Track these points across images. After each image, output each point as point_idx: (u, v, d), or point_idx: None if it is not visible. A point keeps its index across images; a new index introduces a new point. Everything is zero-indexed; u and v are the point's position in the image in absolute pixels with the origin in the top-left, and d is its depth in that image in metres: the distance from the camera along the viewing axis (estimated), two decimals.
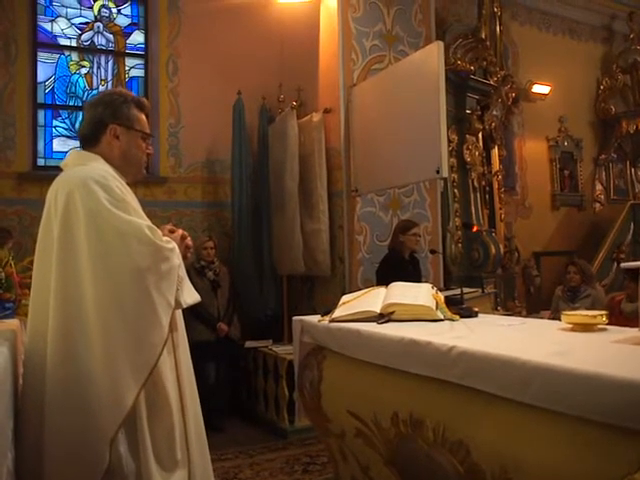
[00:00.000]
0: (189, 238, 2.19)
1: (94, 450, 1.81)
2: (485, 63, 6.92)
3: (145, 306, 1.89)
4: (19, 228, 5.39)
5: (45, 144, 5.94)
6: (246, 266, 5.91)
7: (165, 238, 2.03)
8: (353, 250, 5.20)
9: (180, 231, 2.17)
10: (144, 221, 1.99)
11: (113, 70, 6.32)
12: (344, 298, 3.01)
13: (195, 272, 5.26)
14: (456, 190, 6.50)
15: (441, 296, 2.82)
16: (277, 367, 5.23)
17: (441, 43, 4.30)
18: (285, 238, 5.64)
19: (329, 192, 5.39)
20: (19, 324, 2.45)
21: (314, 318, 2.97)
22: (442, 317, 2.62)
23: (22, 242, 5.31)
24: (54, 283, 1.88)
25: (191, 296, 2.09)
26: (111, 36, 6.34)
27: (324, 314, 2.93)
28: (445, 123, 4.20)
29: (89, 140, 2.15)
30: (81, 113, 6.08)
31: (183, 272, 2.07)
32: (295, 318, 3.13)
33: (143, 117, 2.22)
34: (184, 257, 2.12)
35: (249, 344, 5.64)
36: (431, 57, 4.26)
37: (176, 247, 2.05)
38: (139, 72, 6.40)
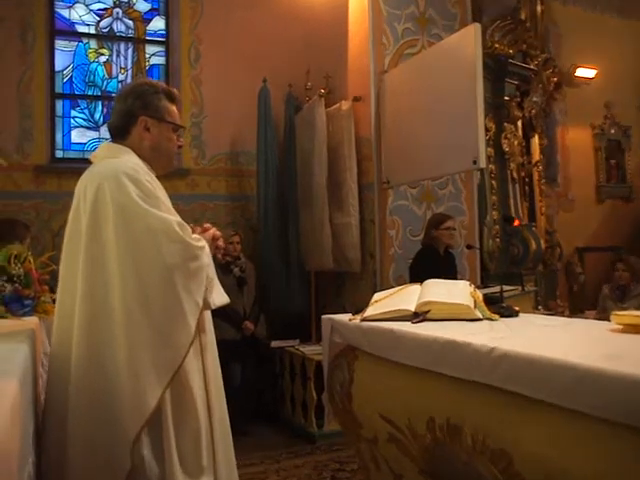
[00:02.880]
0: (221, 239, 2.21)
1: (116, 451, 1.83)
2: (525, 46, 6.81)
3: (172, 305, 1.90)
4: (37, 222, 5.47)
5: (63, 135, 6.02)
6: (272, 262, 5.93)
7: (195, 236, 2.05)
8: (385, 245, 5.18)
9: (212, 230, 2.19)
10: (174, 217, 2.01)
11: (133, 58, 6.38)
12: (376, 296, 3.00)
13: (220, 268, 5.26)
14: (494, 182, 6.43)
15: (479, 294, 2.79)
16: (305, 368, 5.23)
17: (478, 25, 4.23)
18: (313, 233, 5.64)
19: (359, 184, 5.37)
20: (38, 322, 2.48)
21: (344, 317, 2.97)
22: (481, 316, 2.59)
23: (40, 237, 5.41)
24: (81, 279, 1.92)
25: (220, 297, 2.11)
26: (131, 22, 6.39)
27: (355, 313, 2.93)
28: (482, 111, 4.15)
29: (119, 132, 2.18)
30: (100, 103, 6.17)
31: (213, 272, 2.09)
32: (325, 317, 3.13)
33: (174, 108, 2.25)
34: (214, 256, 2.13)
35: (275, 344, 5.65)
36: (467, 41, 4.20)
37: (206, 246, 2.07)
38: (160, 60, 6.44)
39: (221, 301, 2.12)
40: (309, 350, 5.32)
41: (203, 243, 2.06)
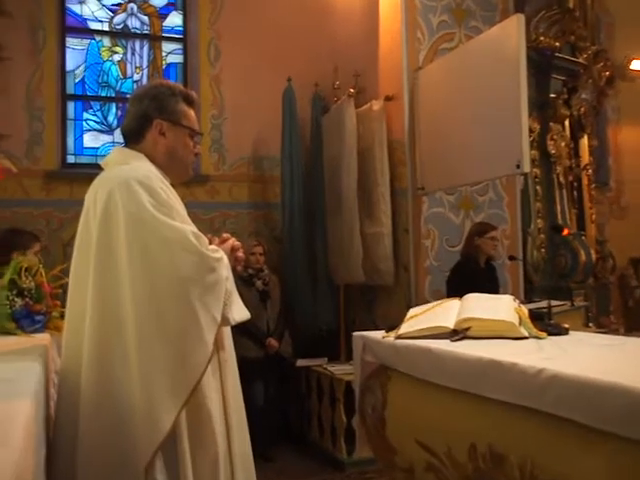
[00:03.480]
0: (241, 250, 2.22)
1: (128, 477, 1.84)
2: (573, 38, 6.73)
3: (187, 321, 1.91)
4: (47, 232, 5.57)
5: (75, 139, 6.12)
6: (298, 274, 5.94)
7: (212, 247, 2.06)
8: (419, 256, 5.15)
9: (232, 240, 2.20)
10: (189, 227, 2.02)
11: (149, 56, 6.47)
12: (412, 311, 2.99)
13: (242, 281, 5.28)
14: (538, 187, 6.37)
15: (524, 310, 2.77)
16: (333, 389, 5.22)
17: (521, 16, 4.21)
18: (342, 243, 5.64)
19: (392, 190, 5.36)
20: (50, 339, 2.51)
21: (377, 334, 2.97)
22: (527, 334, 2.57)
23: (50, 247, 5.47)
24: (91, 292, 1.94)
25: (240, 312, 2.11)
26: (146, 18, 6.49)
27: (389, 329, 2.93)
28: (526, 110, 4.12)
29: (133, 136, 2.20)
30: (114, 104, 6.25)
31: (232, 285, 2.09)
32: (356, 334, 3.12)
33: (192, 113, 2.27)
34: (233, 269, 2.14)
35: (301, 362, 5.66)
36: (509, 33, 4.18)
37: (224, 257, 2.08)
38: (177, 58, 6.53)
39: (241, 316, 2.12)
40: (338, 370, 5.31)
41: (221, 254, 2.07)
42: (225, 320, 2.03)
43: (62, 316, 2.76)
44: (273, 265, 5.90)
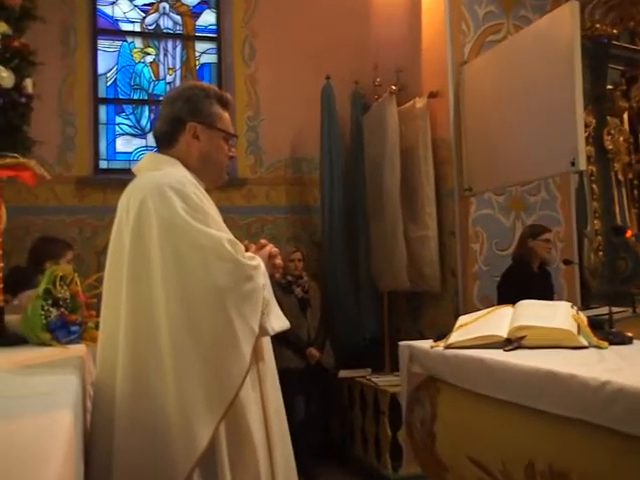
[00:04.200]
0: (279, 257, 2.22)
1: None
2: (633, 24, 6.58)
3: (223, 331, 1.92)
4: (80, 240, 5.65)
5: (107, 144, 6.22)
6: (339, 281, 5.95)
7: (248, 254, 2.07)
8: (467, 261, 5.11)
9: (269, 247, 2.20)
10: (224, 234, 2.03)
11: (182, 57, 6.54)
12: (461, 320, 2.97)
13: (280, 289, 5.29)
14: (595, 185, 6.26)
15: (583, 317, 2.73)
16: (378, 401, 5.21)
17: (576, 3, 4.13)
18: (385, 247, 5.62)
19: (437, 192, 5.34)
20: (86, 350, 2.54)
21: (425, 343, 2.96)
22: (586, 344, 2.53)
23: (84, 256, 5.56)
24: (124, 301, 1.96)
25: (279, 322, 2.12)
26: (178, 17, 6.56)
27: (437, 339, 2.92)
28: (581, 103, 4.06)
29: (165, 140, 2.23)
30: (146, 107, 6.33)
31: (270, 294, 2.10)
32: (402, 343, 3.12)
33: (226, 115, 2.28)
34: (271, 277, 2.14)
35: (344, 373, 5.66)
36: (563, 22, 4.12)
37: (261, 264, 2.08)
38: (211, 58, 6.59)
39: (281, 326, 2.12)
40: (382, 381, 5.30)
41: (257, 262, 2.07)
42: (263, 330, 2.04)
43: (97, 327, 2.80)
44: (312, 271, 5.91)
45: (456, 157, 5.19)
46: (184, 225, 1.95)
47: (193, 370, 1.89)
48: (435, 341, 2.89)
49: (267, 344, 2.21)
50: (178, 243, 1.94)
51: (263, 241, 2.23)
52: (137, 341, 1.93)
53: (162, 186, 2.00)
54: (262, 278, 2.06)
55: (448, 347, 2.74)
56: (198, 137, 2.19)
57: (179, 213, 1.95)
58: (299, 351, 5.35)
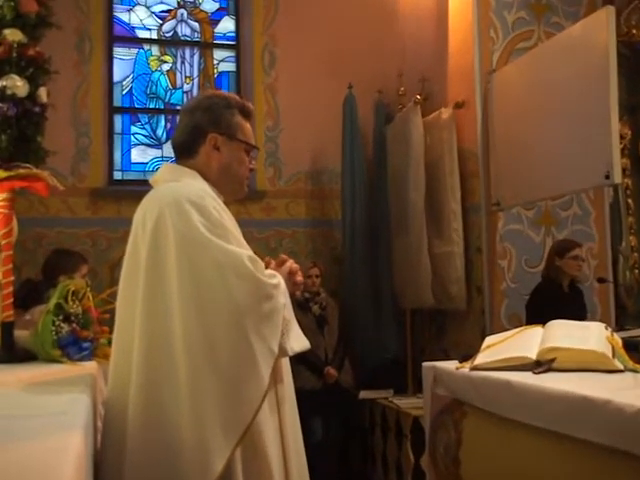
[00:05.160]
0: (300, 273, 2.22)
1: None
2: None
3: (242, 352, 1.91)
4: (93, 253, 5.69)
5: (122, 154, 6.27)
6: (360, 298, 5.94)
7: (268, 271, 2.07)
8: (495, 278, 5.08)
9: (289, 263, 2.20)
10: (245, 250, 2.03)
11: (199, 65, 6.60)
12: (488, 340, 2.94)
13: (297, 306, 5.27)
14: (630, 200, 6.20)
15: (618, 339, 2.69)
16: (400, 425, 5.18)
17: (612, 9, 4.09)
18: (409, 263, 5.61)
19: (463, 206, 5.34)
20: (98, 368, 2.55)
21: (450, 364, 2.93)
22: (622, 367, 2.48)
23: (97, 269, 5.59)
24: (139, 319, 1.96)
25: (299, 342, 2.11)
26: (196, 25, 6.63)
27: (463, 359, 2.89)
28: (616, 113, 4.03)
29: (184, 151, 2.23)
30: (163, 117, 6.37)
31: (290, 313, 2.10)
32: (426, 364, 3.10)
33: (248, 126, 2.30)
34: (291, 294, 2.14)
35: (364, 395, 5.63)
36: (598, 28, 4.09)
37: (282, 282, 2.08)
38: (229, 66, 6.64)
39: (301, 346, 2.12)
40: (405, 403, 5.28)
41: (278, 279, 2.07)
42: (283, 351, 2.03)
43: (110, 343, 2.81)
44: (332, 288, 5.91)
45: (483, 170, 5.17)
46: (202, 241, 1.94)
47: (209, 391, 1.88)
48: (461, 362, 2.87)
49: (286, 365, 2.20)
50: (196, 260, 1.94)
51: (283, 256, 2.23)
52: (151, 359, 1.93)
53: (180, 199, 1.99)
54: (282, 297, 2.05)
55: (474, 368, 2.70)
56: (219, 148, 2.20)
57: (197, 228, 1.95)
58: (316, 370, 5.33)
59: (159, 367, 1.92)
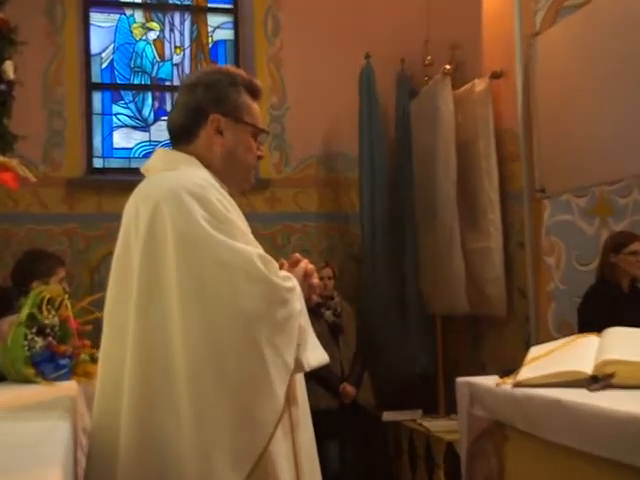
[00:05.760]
0: (316, 275, 2.22)
1: None
2: None
3: (253, 367, 1.91)
4: (70, 254, 5.72)
5: (103, 138, 6.29)
6: (381, 303, 5.96)
7: (283, 273, 2.06)
8: (540, 278, 5.07)
9: (304, 263, 2.20)
10: (254, 249, 2.02)
11: (191, 33, 6.59)
12: (534, 351, 2.95)
13: (308, 312, 5.29)
14: None
15: None
16: (430, 451, 5.20)
17: None
18: (439, 262, 5.62)
19: (502, 194, 5.34)
20: (77, 388, 2.55)
21: (488, 380, 2.94)
22: None
23: (75, 273, 5.61)
24: (133, 331, 1.95)
25: (316, 355, 2.11)
26: None
27: (504, 374, 2.90)
28: None
29: (182, 134, 2.23)
30: (149, 94, 6.37)
31: (306, 321, 2.09)
32: (460, 380, 3.11)
33: (256, 106, 2.29)
34: (307, 299, 2.14)
35: (388, 416, 5.64)
36: None
37: (297, 286, 2.08)
38: (226, 34, 6.66)
39: (319, 360, 2.11)
40: (436, 426, 5.29)
41: (293, 282, 2.06)
42: (299, 365, 2.02)
43: (93, 359, 2.81)
44: (347, 291, 5.92)
45: (525, 151, 5.15)
46: (206, 238, 1.94)
47: (215, 415, 1.87)
48: (501, 377, 2.88)
49: (300, 382, 2.20)
50: (199, 260, 1.93)
51: (297, 256, 2.22)
52: (147, 378, 1.92)
53: (178, 190, 1.99)
54: (298, 302, 2.05)
55: (518, 385, 2.71)
56: (222, 132, 2.20)
57: (200, 224, 1.95)
58: (330, 387, 5.33)
59: (156, 388, 1.91)
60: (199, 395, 1.87)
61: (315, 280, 2.20)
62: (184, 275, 1.92)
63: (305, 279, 2.16)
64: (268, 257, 2.01)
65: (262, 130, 2.32)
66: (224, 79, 2.24)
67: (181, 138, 2.23)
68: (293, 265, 2.19)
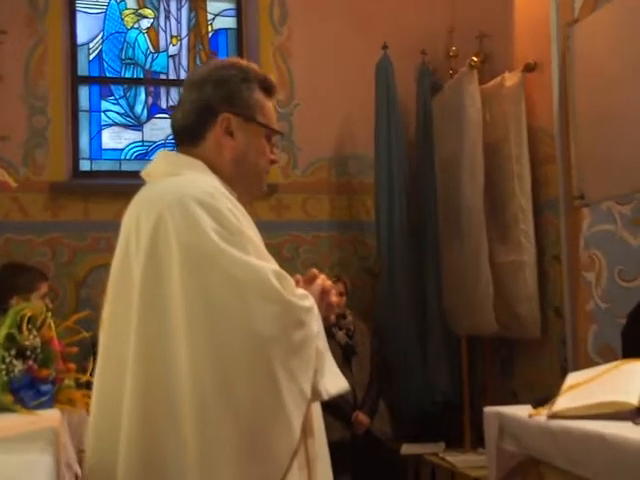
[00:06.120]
0: (334, 292, 2.22)
1: None
2: None
3: (267, 395, 1.91)
4: (53, 266, 5.71)
5: (91, 138, 6.30)
6: (399, 322, 5.96)
7: (300, 291, 2.06)
8: (579, 296, 5.05)
9: (321, 279, 2.19)
10: (268, 264, 2.03)
11: (189, 21, 6.60)
12: (572, 378, 2.93)
13: None
14: None
15: None
16: None
17: None
18: (464, 277, 5.62)
19: (535, 201, 5.34)
20: (61, 418, 2.54)
21: (520, 410, 2.95)
22: None
23: (59, 288, 5.62)
24: (133, 355, 1.95)
25: (335, 382, 2.12)
26: None
27: (538, 404, 2.90)
28: None
29: (188, 135, 2.23)
30: (142, 89, 6.38)
31: (324, 344, 2.09)
32: (488, 410, 3.11)
33: (270, 105, 2.29)
34: (324, 319, 2.13)
35: (407, 449, 5.65)
36: None
37: (314, 305, 2.08)
38: (228, 22, 6.68)
39: (338, 387, 2.13)
40: (461, 461, 5.29)
41: (311, 302, 2.06)
42: (317, 393, 2.04)
43: (78, 385, 2.81)
44: (362, 309, 5.92)
45: (562, 154, 5.15)
46: (216, 252, 1.93)
47: (225, 448, 1.87)
48: (535, 407, 2.88)
49: (317, 411, 2.21)
50: (208, 277, 1.93)
51: (314, 271, 2.22)
52: (149, 407, 1.92)
53: (185, 198, 1.98)
54: (316, 323, 2.05)
55: (554, 416, 2.70)
56: (232, 133, 2.19)
57: (209, 235, 1.94)
58: (342, 416, 5.32)
59: (159, 418, 1.91)
60: (206, 427, 1.87)
61: (333, 298, 2.20)
62: (190, 293, 1.92)
63: (322, 297, 2.16)
64: (283, 273, 2.01)
65: (276, 131, 2.31)
66: (236, 74, 2.23)
67: (187, 139, 2.23)
68: (309, 282, 2.18)
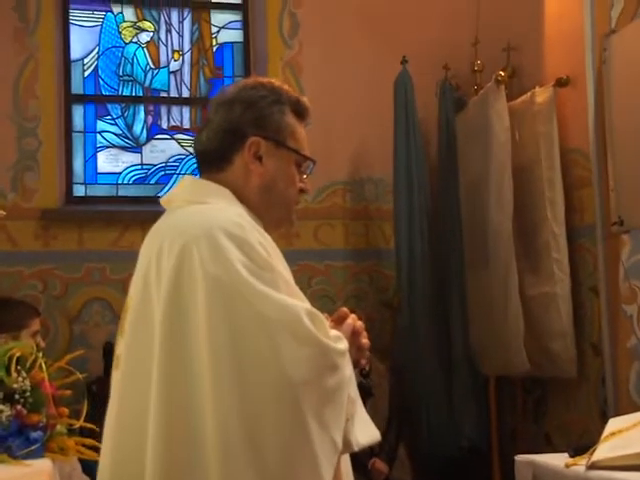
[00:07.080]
0: (365, 334, 2.20)
1: None
2: None
3: (297, 446, 1.90)
4: (44, 300, 5.72)
5: (85, 161, 6.32)
6: (420, 360, 5.96)
7: (334, 333, 2.04)
8: (618, 332, 5.03)
9: (351, 319, 2.17)
10: (301, 302, 2.02)
11: (192, 34, 6.64)
12: (613, 424, 2.92)
13: None
14: None
15: None
16: None
17: None
18: (491, 311, 5.63)
19: (569, 228, 5.35)
20: (52, 468, 2.52)
21: (556, 458, 2.94)
22: None
23: (51, 325, 5.62)
24: (155, 399, 1.94)
25: (367, 432, 2.09)
26: None
27: (575, 452, 2.87)
28: None
29: (214, 160, 2.23)
30: (141, 107, 6.40)
31: (354, 389, 2.08)
32: (520, 458, 3.10)
33: (302, 130, 2.30)
34: (355, 363, 2.12)
35: None
36: None
37: (347, 348, 2.07)
38: (234, 35, 6.72)
39: (369, 438, 2.11)
40: None
41: (345, 345, 2.05)
42: (347, 444, 2.02)
43: (71, 431, 2.79)
44: (379, 346, 5.87)
45: (598, 176, 5.13)
46: (244, 288, 1.93)
47: None
48: (572, 456, 2.86)
49: (346, 462, 2.20)
50: (235, 314, 1.92)
51: (344, 310, 2.20)
52: (171, 455, 1.91)
53: (214, 230, 1.98)
54: (348, 368, 2.05)
55: (593, 467, 2.68)
56: (261, 158, 2.19)
57: (238, 271, 1.93)
58: (358, 464, 5.27)
59: (183, 465, 1.91)
60: (230, 475, 1.86)
61: (365, 340, 2.18)
62: (216, 332, 1.91)
63: (354, 339, 2.14)
64: (317, 312, 2.00)
65: (308, 158, 2.31)
66: (267, 95, 2.24)
67: (212, 165, 2.23)
68: (339, 321, 2.16)
